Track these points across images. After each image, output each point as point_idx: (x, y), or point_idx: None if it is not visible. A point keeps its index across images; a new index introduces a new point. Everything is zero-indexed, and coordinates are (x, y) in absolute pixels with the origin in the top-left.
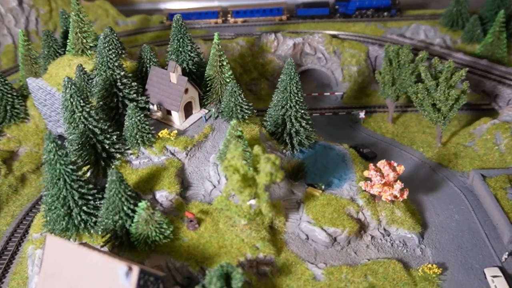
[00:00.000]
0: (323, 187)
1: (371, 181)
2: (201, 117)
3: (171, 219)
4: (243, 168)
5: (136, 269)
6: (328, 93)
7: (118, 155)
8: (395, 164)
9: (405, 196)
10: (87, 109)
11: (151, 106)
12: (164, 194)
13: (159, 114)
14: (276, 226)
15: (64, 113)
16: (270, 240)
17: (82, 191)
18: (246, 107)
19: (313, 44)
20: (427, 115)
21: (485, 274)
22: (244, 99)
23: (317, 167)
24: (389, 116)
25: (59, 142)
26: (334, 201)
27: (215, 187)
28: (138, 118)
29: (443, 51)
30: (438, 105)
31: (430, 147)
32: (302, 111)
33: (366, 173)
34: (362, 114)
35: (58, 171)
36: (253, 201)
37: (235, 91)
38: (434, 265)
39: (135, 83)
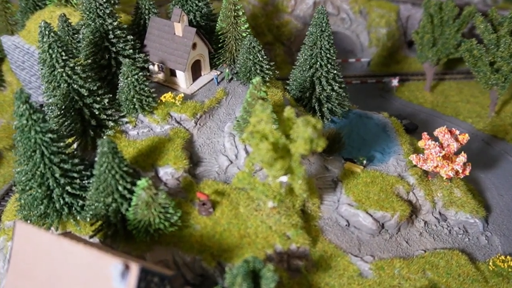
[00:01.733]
0: (364, 162)
1: (423, 154)
2: (212, 79)
3: (178, 201)
4: (274, 134)
5: (135, 268)
6: (354, 60)
7: (110, 123)
8: (457, 132)
9: (467, 172)
10: (71, 64)
11: (150, 67)
12: (169, 171)
13: (160, 75)
14: (309, 210)
15: (42, 69)
16: (303, 228)
17: (65, 166)
18: (267, 66)
19: (336, 3)
20: (482, 77)
21: None
22: (265, 57)
23: (353, 139)
24: (426, 83)
25: (36, 105)
26: (380, 178)
27: (231, 162)
28: (136, 77)
29: (486, 9)
30: (498, 63)
31: (481, 117)
32: (335, 72)
33: (421, 144)
34: (395, 82)
35: (33, 140)
36: (284, 178)
37: (253, 47)
38: (509, 257)
39: (131, 37)
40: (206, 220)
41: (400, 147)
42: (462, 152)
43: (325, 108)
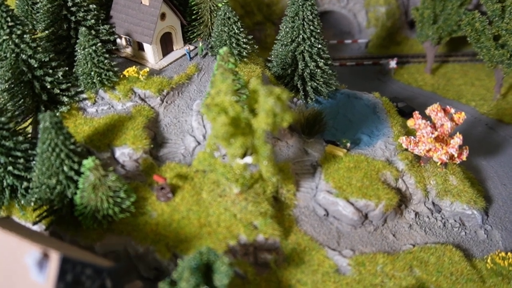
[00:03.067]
0: (348, 145)
1: (415, 136)
2: (185, 54)
3: (135, 185)
4: (234, 107)
5: (55, 257)
6: (350, 41)
7: (65, 99)
8: (453, 110)
9: (464, 157)
10: (19, 31)
11: (118, 40)
12: (127, 152)
13: (129, 50)
14: (283, 197)
15: None
16: (275, 217)
17: (7, 144)
18: (244, 40)
19: None
20: (486, 54)
21: None
22: (242, 29)
23: (339, 121)
24: (427, 65)
25: None
26: (365, 163)
27: (199, 143)
28: (93, 48)
29: None
30: (503, 38)
31: (485, 101)
32: (319, 46)
33: (411, 123)
34: (393, 63)
35: None
36: (248, 159)
37: (229, 18)
38: (510, 254)
39: (94, 6)
40: (164, 206)
41: (390, 130)
42: (458, 133)
43: (309, 87)
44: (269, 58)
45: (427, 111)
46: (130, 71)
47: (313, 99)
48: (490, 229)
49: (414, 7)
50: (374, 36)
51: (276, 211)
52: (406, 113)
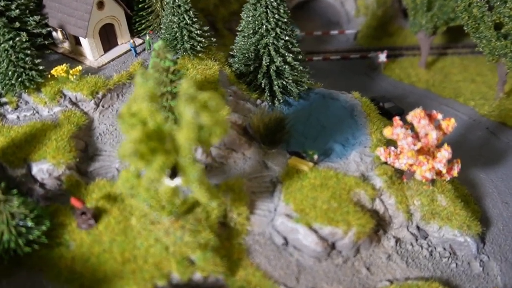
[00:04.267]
0: (315, 157)
1: (396, 147)
2: (130, 49)
3: (54, 209)
4: (155, 117)
5: None
6: (336, 32)
7: None
8: (440, 116)
9: (454, 173)
10: None
11: (53, 33)
12: (46, 168)
13: (66, 45)
14: (232, 222)
15: None
16: (220, 248)
17: None
18: (199, 32)
19: None
20: (486, 45)
21: None
22: (196, 19)
23: (310, 127)
24: (421, 59)
25: None
26: (334, 180)
27: None
28: (11, 42)
29: None
30: (506, 26)
31: (486, 100)
32: (287, 38)
33: (387, 132)
34: (382, 57)
35: None
36: (178, 181)
37: (179, 6)
38: None
39: None
40: (84, 235)
41: (368, 137)
42: (445, 145)
43: (276, 86)
44: (231, 53)
45: (409, 118)
46: (59, 70)
47: (281, 101)
48: (486, 260)
49: None
50: (364, 26)
51: (223, 240)
52: (393, 115)
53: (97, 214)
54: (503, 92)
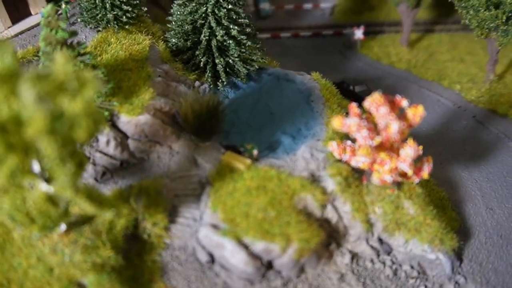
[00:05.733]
0: (255, 152)
1: (353, 140)
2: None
3: None
4: (10, 102)
5: None
6: (310, 5)
7: None
8: (405, 103)
9: (425, 174)
10: None
11: None
12: None
13: None
14: (146, 234)
15: None
16: (125, 268)
17: None
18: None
19: None
20: (473, 16)
21: None
22: None
23: (257, 114)
24: (403, 35)
25: None
26: (275, 181)
27: None
28: None
29: None
30: None
31: (474, 83)
32: (230, 7)
33: (337, 123)
34: (358, 34)
35: None
36: (45, 187)
37: None
38: None
39: None
40: None
41: (323, 127)
42: (410, 140)
43: (219, 65)
44: (169, 26)
45: (366, 104)
46: None
47: (225, 83)
48: (463, 283)
49: None
50: None
51: (132, 257)
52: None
53: None
54: (494, 74)
